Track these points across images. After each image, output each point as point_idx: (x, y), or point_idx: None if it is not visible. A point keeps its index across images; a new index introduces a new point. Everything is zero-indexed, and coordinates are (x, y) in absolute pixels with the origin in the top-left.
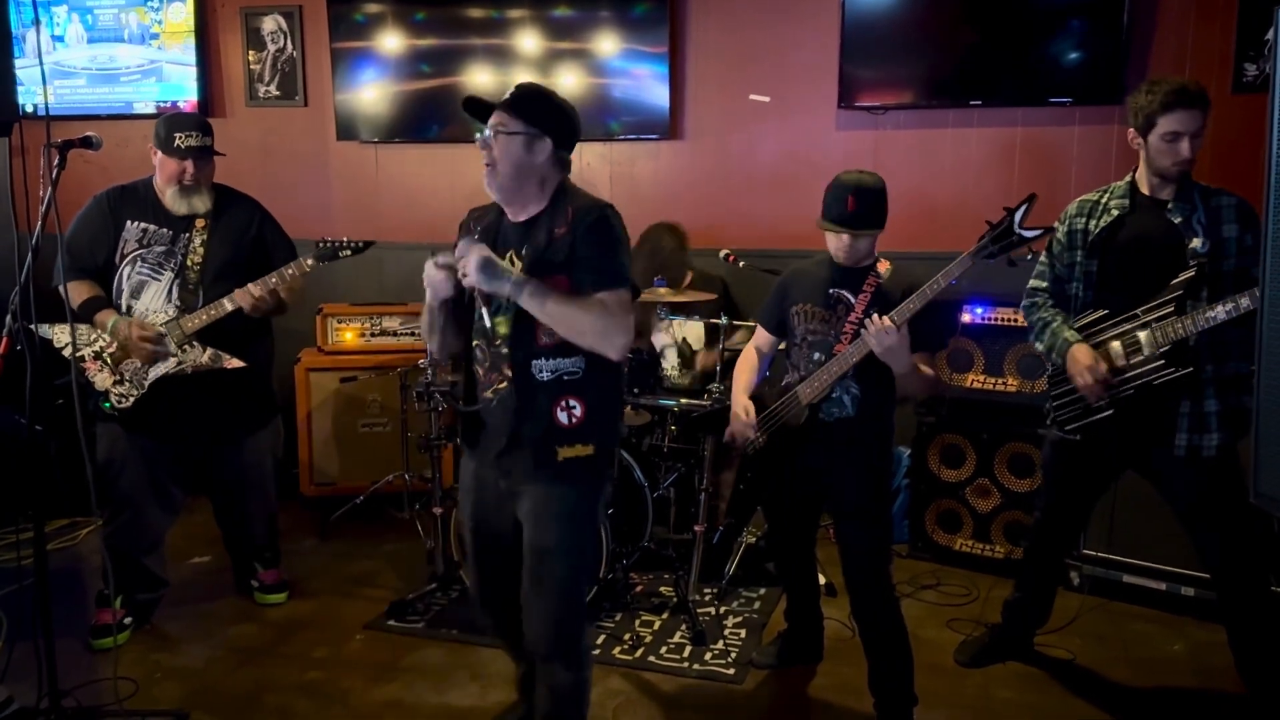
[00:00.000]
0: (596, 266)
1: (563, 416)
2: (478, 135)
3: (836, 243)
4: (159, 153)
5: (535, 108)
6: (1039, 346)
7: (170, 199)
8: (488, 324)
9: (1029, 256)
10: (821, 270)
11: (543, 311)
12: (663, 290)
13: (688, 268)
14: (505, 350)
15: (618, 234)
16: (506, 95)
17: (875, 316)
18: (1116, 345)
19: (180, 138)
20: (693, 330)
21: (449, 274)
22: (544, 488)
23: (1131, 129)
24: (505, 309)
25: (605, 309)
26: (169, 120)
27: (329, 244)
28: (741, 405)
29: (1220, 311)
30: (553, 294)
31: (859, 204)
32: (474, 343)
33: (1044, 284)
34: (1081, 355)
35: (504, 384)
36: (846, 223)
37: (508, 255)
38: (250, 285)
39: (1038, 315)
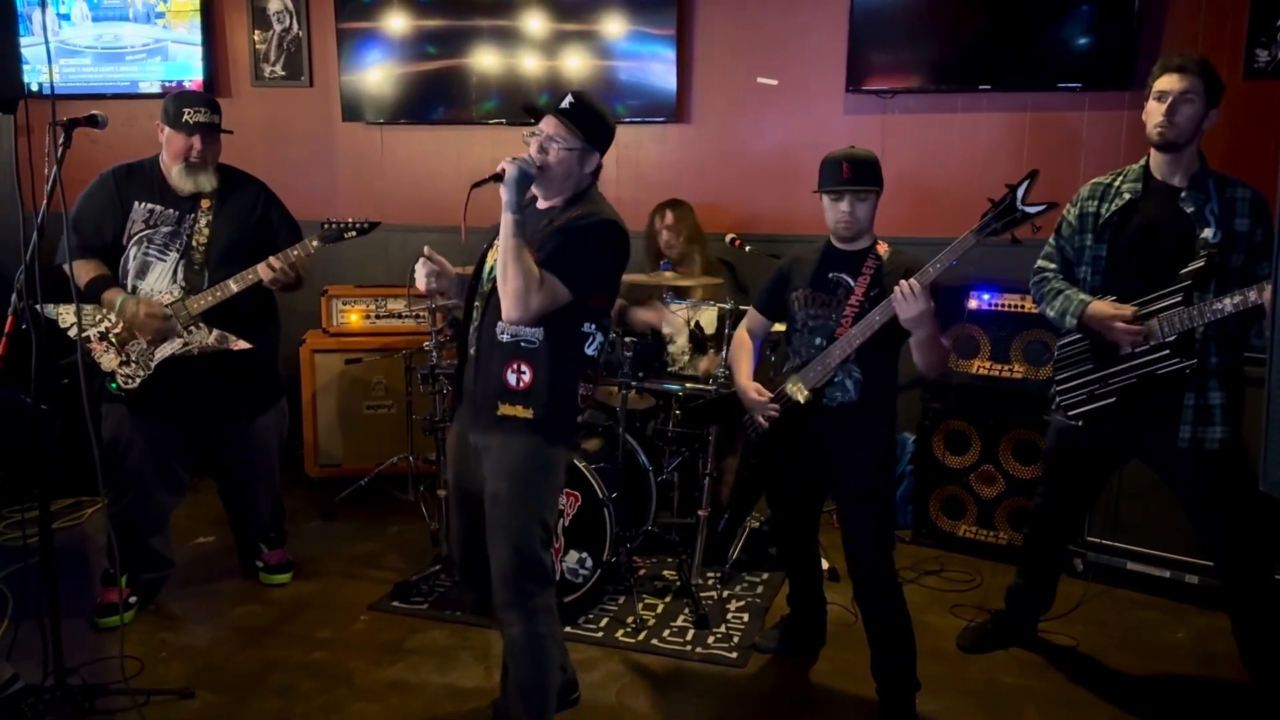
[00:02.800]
0: (559, 253)
1: (511, 378)
2: (531, 134)
3: (835, 213)
4: (166, 129)
5: (593, 122)
6: (1050, 313)
7: (176, 176)
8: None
9: (1035, 230)
10: (820, 255)
11: (506, 240)
12: (668, 274)
13: (698, 242)
14: (483, 307)
15: (596, 244)
16: (566, 104)
17: (902, 282)
18: None
19: (189, 113)
20: (706, 315)
21: (429, 277)
22: (495, 440)
23: (1145, 106)
24: (490, 274)
25: (541, 282)
26: (178, 96)
27: (334, 225)
28: (751, 388)
29: (1228, 304)
30: (523, 238)
31: (854, 169)
32: (474, 304)
33: (1052, 265)
34: (1103, 307)
35: (478, 341)
36: (844, 184)
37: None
38: (270, 258)
39: (1048, 286)
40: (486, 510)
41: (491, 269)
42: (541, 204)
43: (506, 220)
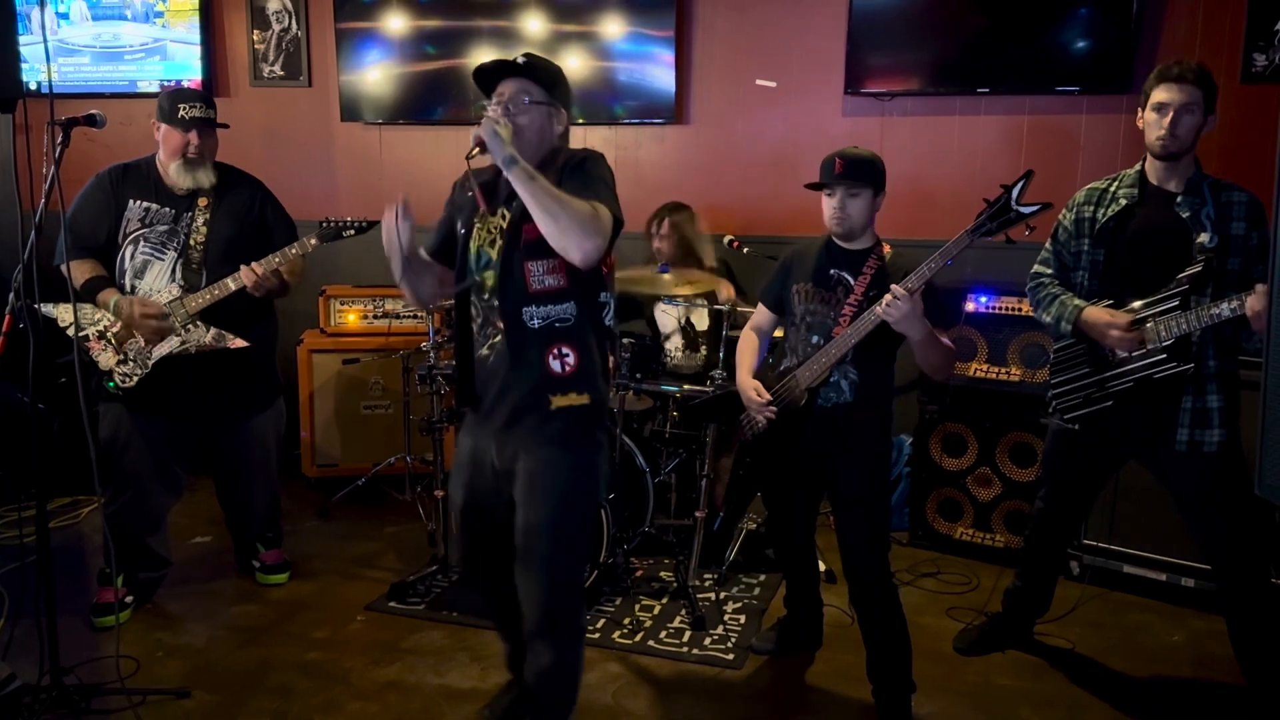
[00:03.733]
0: (583, 186)
1: (555, 365)
2: (492, 104)
3: (829, 208)
4: (162, 126)
5: (553, 75)
6: (1046, 319)
7: (174, 173)
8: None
9: (1028, 232)
10: (822, 251)
11: (529, 186)
12: (667, 276)
13: (703, 248)
14: (495, 302)
15: (603, 172)
16: (521, 61)
17: (893, 287)
18: None
19: (184, 109)
20: (698, 313)
21: (393, 227)
22: (538, 457)
23: (1139, 111)
24: (492, 263)
25: (593, 207)
26: (172, 93)
27: (332, 224)
28: (751, 386)
29: (1225, 308)
30: (542, 178)
31: (846, 165)
32: (470, 300)
33: (1048, 270)
34: (1098, 314)
35: (497, 336)
36: (836, 179)
37: (499, 211)
38: (253, 264)
39: (1044, 291)
40: (522, 538)
41: (482, 254)
42: None
43: (517, 173)
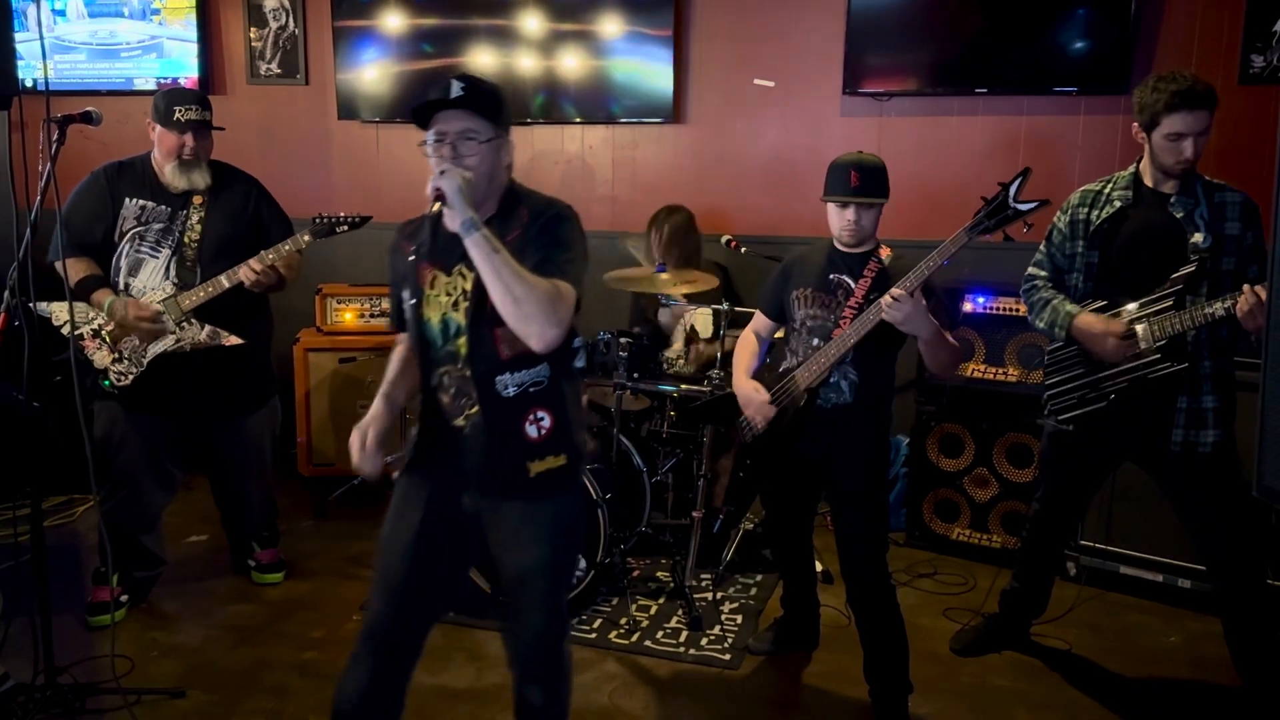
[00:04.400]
0: (547, 256)
1: (531, 430)
2: (431, 141)
3: (841, 220)
4: (157, 127)
5: (496, 102)
6: (1040, 325)
7: (169, 174)
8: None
9: (1026, 229)
10: (822, 255)
11: (491, 261)
12: (664, 276)
13: (698, 252)
14: (468, 372)
15: (574, 234)
16: (459, 91)
17: (892, 290)
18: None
19: (180, 111)
20: (700, 318)
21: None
22: (519, 507)
23: (1135, 124)
24: (462, 329)
25: (556, 288)
26: (168, 94)
27: (325, 220)
28: (750, 385)
29: (1219, 308)
30: (505, 250)
31: (862, 178)
32: (440, 369)
33: (1043, 272)
34: (1090, 321)
35: (474, 408)
36: (852, 194)
37: (455, 270)
38: (250, 261)
39: (1038, 295)
40: (512, 584)
41: (450, 323)
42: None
43: (478, 241)
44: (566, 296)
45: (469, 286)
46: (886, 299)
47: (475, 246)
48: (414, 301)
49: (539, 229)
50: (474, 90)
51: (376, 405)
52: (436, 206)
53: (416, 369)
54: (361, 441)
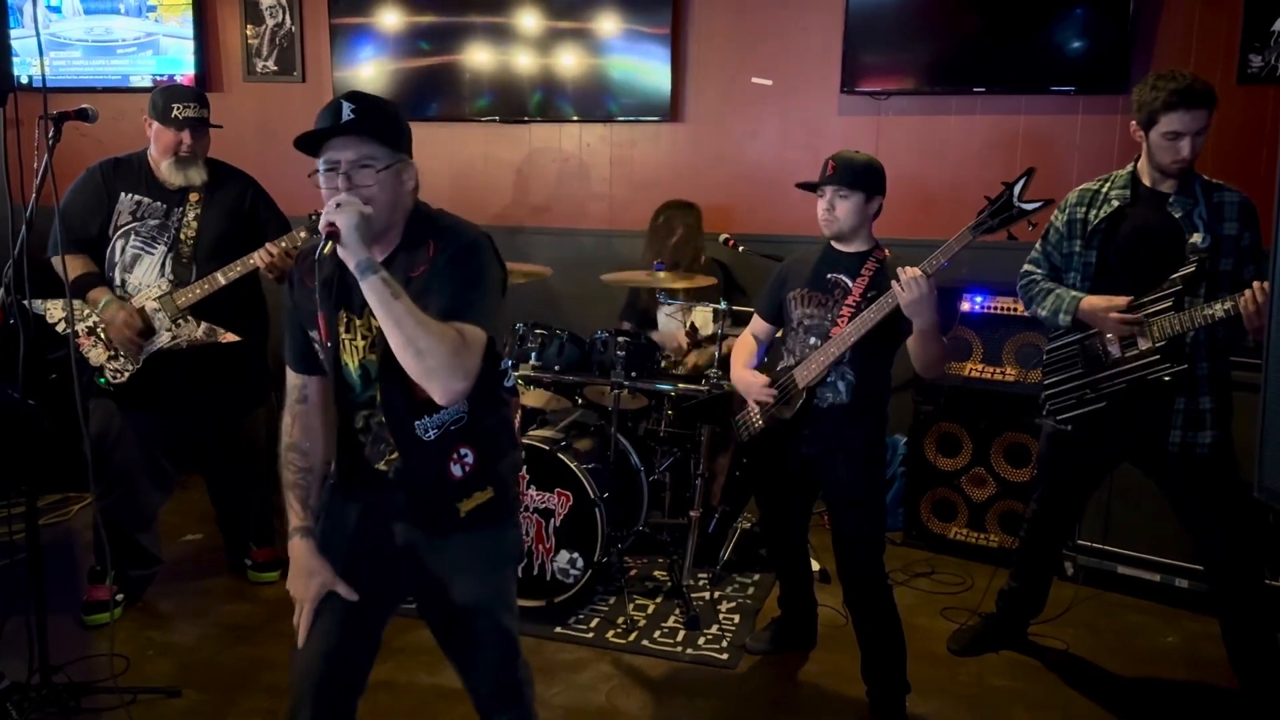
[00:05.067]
0: (454, 294)
1: (456, 469)
2: (322, 170)
3: (819, 209)
4: (155, 123)
5: (391, 123)
6: (1042, 313)
7: (166, 171)
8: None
9: (1030, 228)
10: (820, 256)
11: (390, 309)
12: (662, 275)
13: (700, 250)
14: (382, 418)
15: (486, 267)
16: (350, 114)
17: (905, 268)
18: (1112, 336)
19: (178, 108)
20: (700, 316)
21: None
22: (455, 542)
23: (1134, 122)
24: (379, 375)
25: (461, 337)
26: (166, 91)
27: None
28: (749, 373)
29: (1219, 309)
30: (405, 295)
31: (838, 168)
32: (360, 413)
33: (1039, 270)
34: (1095, 301)
35: (393, 454)
36: (824, 181)
37: (367, 311)
38: (268, 244)
39: (1037, 286)
40: (455, 622)
41: (368, 368)
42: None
43: (375, 285)
44: (473, 345)
45: (378, 329)
46: (903, 276)
47: (372, 291)
48: (330, 345)
49: (447, 262)
50: (367, 112)
51: (302, 549)
52: (329, 246)
53: (315, 443)
54: (316, 598)
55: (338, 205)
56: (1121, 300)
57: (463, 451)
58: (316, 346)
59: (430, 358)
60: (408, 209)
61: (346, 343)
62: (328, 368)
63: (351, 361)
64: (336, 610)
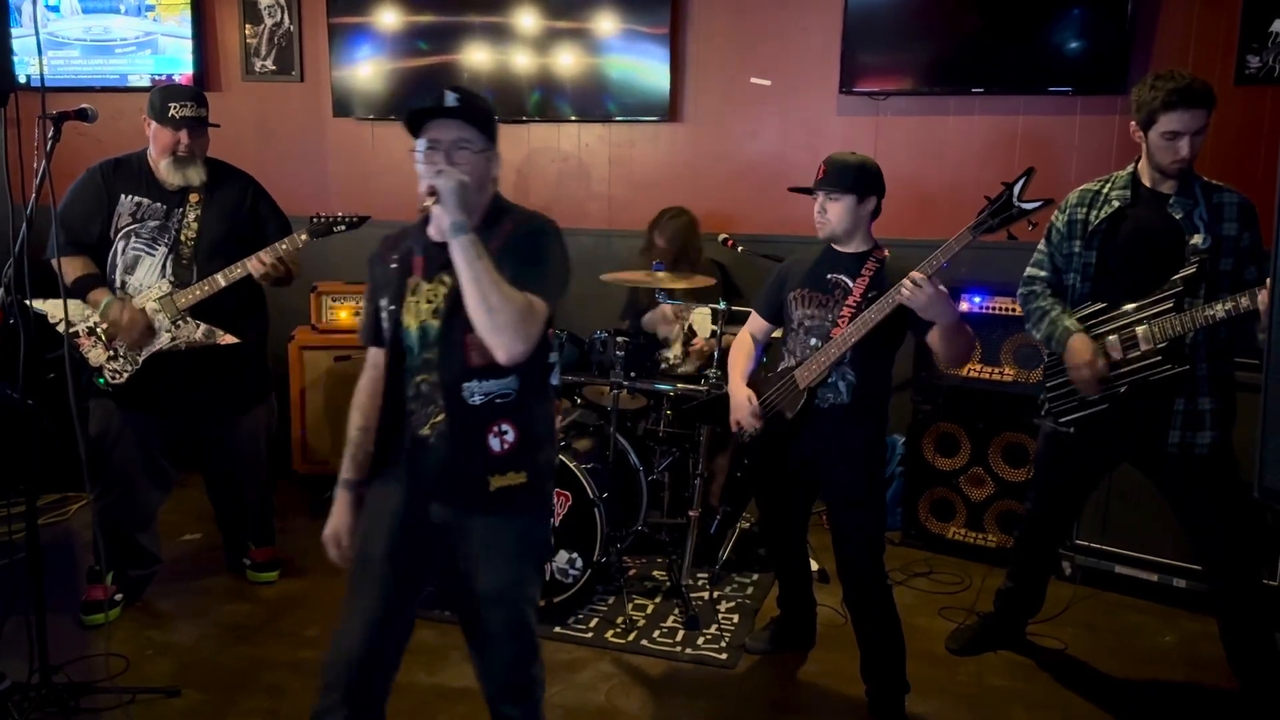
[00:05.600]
0: (524, 269)
1: (494, 442)
2: (423, 148)
3: (815, 214)
4: (153, 123)
5: (488, 115)
6: (1037, 335)
7: (164, 170)
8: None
9: (1031, 227)
10: (820, 257)
11: (473, 266)
12: (661, 275)
13: (700, 253)
14: (435, 378)
15: (552, 249)
16: (453, 102)
17: (911, 274)
18: (1113, 339)
19: (175, 108)
20: (699, 317)
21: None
22: (482, 524)
23: (1133, 122)
24: (437, 336)
25: (530, 304)
26: (164, 91)
27: (323, 219)
28: (744, 394)
29: (1219, 310)
30: (487, 257)
31: (828, 171)
32: (415, 378)
33: (1042, 273)
34: (1081, 348)
35: (439, 416)
36: (815, 186)
37: (437, 278)
38: (260, 253)
39: (1036, 304)
40: (477, 605)
41: (428, 330)
42: (444, 236)
43: (464, 244)
44: (538, 313)
45: (447, 293)
46: (907, 282)
47: (460, 249)
48: (393, 308)
49: (520, 240)
50: (469, 101)
51: (342, 500)
52: (430, 202)
53: (374, 427)
54: (336, 539)
55: (439, 173)
56: (1102, 364)
57: (504, 427)
58: (384, 315)
59: (500, 314)
60: (490, 195)
61: (411, 305)
62: (388, 331)
63: (412, 323)
64: (374, 591)
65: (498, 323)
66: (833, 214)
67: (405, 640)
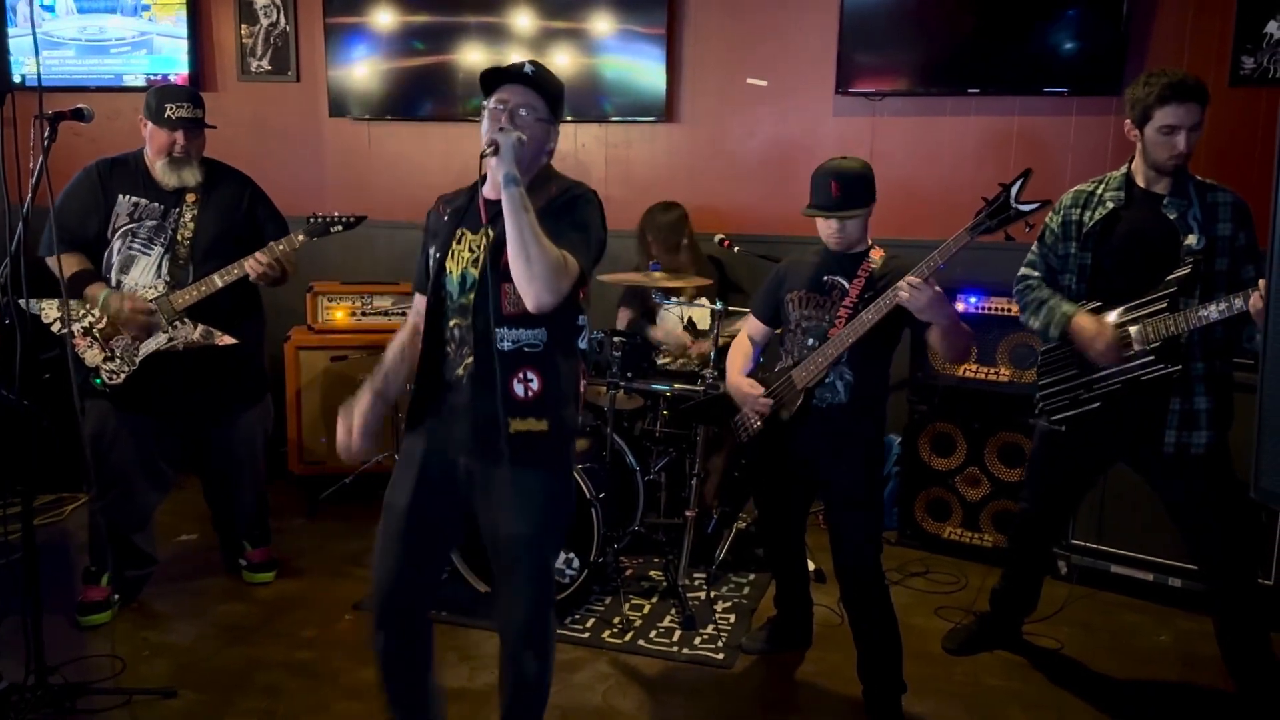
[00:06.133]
0: (562, 228)
1: (519, 389)
2: (491, 105)
3: (827, 229)
4: (149, 124)
5: (557, 90)
6: (1034, 325)
7: (160, 171)
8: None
9: (1028, 229)
10: (816, 258)
11: (519, 217)
12: (658, 275)
13: (688, 240)
14: (469, 322)
15: (591, 216)
16: (529, 71)
17: (907, 278)
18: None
19: (171, 108)
20: (698, 313)
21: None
22: (506, 475)
23: (1128, 121)
24: (475, 283)
25: (564, 260)
26: (160, 91)
27: (320, 219)
28: (746, 382)
29: (1213, 311)
30: (532, 211)
31: (842, 188)
32: (451, 321)
33: (1035, 273)
34: (1086, 324)
35: (470, 359)
36: (833, 207)
37: (482, 230)
38: (256, 253)
39: (1032, 296)
40: (499, 550)
41: (467, 276)
42: (499, 194)
43: (513, 195)
44: (571, 270)
45: (489, 244)
46: (905, 285)
47: (509, 201)
48: (439, 255)
49: (562, 204)
50: (542, 74)
51: (365, 397)
52: (490, 151)
53: (411, 358)
54: (348, 427)
55: (500, 129)
56: (1111, 332)
57: (529, 375)
58: (431, 262)
59: (537, 264)
60: (543, 165)
61: (455, 252)
62: (432, 275)
63: (455, 270)
64: (396, 538)
65: (534, 272)
66: (851, 229)
67: (436, 576)
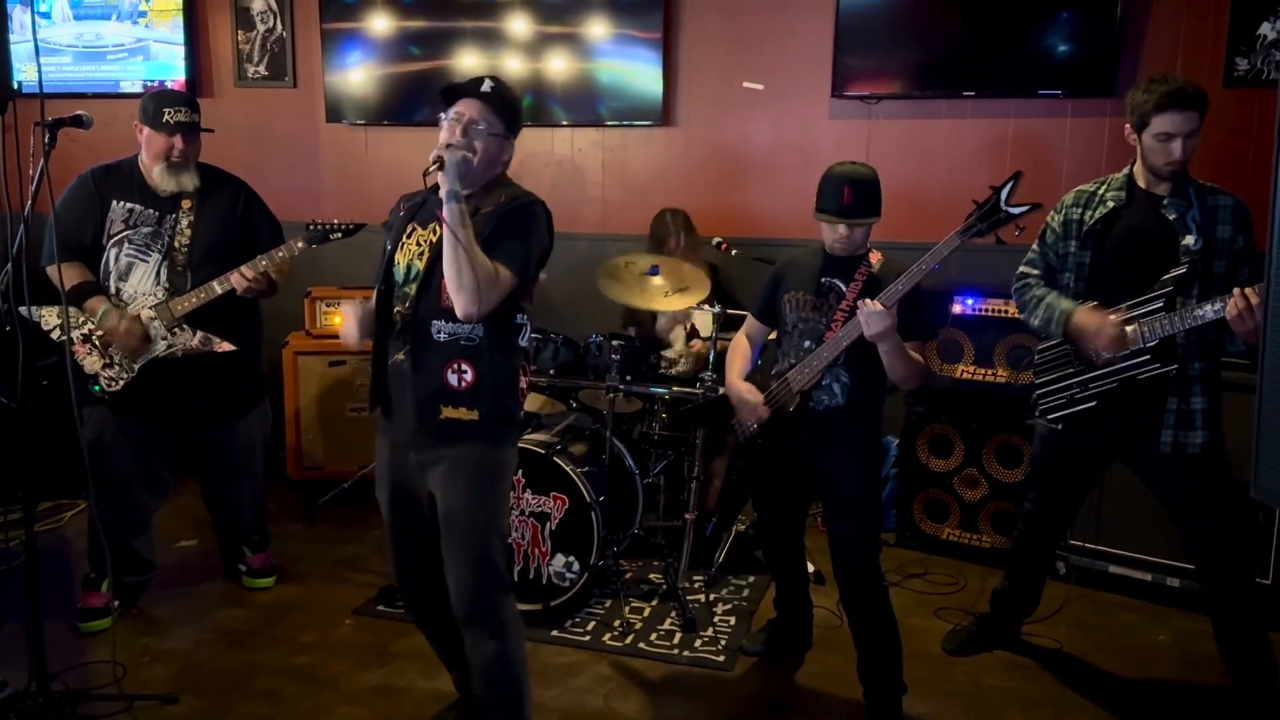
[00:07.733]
0: (501, 239)
1: (452, 379)
2: (448, 117)
3: (833, 234)
4: (145, 129)
5: (513, 107)
6: (1034, 322)
7: (157, 176)
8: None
9: (1018, 232)
10: (814, 260)
11: (457, 230)
12: (656, 280)
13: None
14: (409, 310)
15: (533, 226)
16: (487, 88)
17: (865, 300)
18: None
19: (169, 113)
20: (701, 319)
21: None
22: (442, 453)
23: (1128, 125)
24: (419, 276)
25: (496, 274)
26: (157, 96)
27: (319, 226)
28: (744, 388)
29: (1208, 310)
30: (471, 226)
31: (855, 195)
32: (395, 309)
33: (1035, 271)
34: (1088, 319)
35: (409, 344)
36: (844, 214)
37: (430, 227)
38: (242, 268)
39: (1031, 293)
40: (442, 528)
41: (411, 267)
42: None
43: (453, 210)
44: (502, 283)
45: (435, 241)
46: (868, 306)
47: (450, 214)
48: (390, 247)
49: (508, 211)
50: (499, 91)
51: (349, 310)
52: (434, 167)
53: None
54: (355, 311)
55: (448, 146)
56: (1114, 321)
57: (463, 367)
58: (386, 249)
59: (465, 277)
60: (496, 175)
61: (405, 244)
62: (382, 263)
63: (402, 261)
64: (391, 529)
65: (463, 283)
66: (860, 235)
67: (438, 555)
